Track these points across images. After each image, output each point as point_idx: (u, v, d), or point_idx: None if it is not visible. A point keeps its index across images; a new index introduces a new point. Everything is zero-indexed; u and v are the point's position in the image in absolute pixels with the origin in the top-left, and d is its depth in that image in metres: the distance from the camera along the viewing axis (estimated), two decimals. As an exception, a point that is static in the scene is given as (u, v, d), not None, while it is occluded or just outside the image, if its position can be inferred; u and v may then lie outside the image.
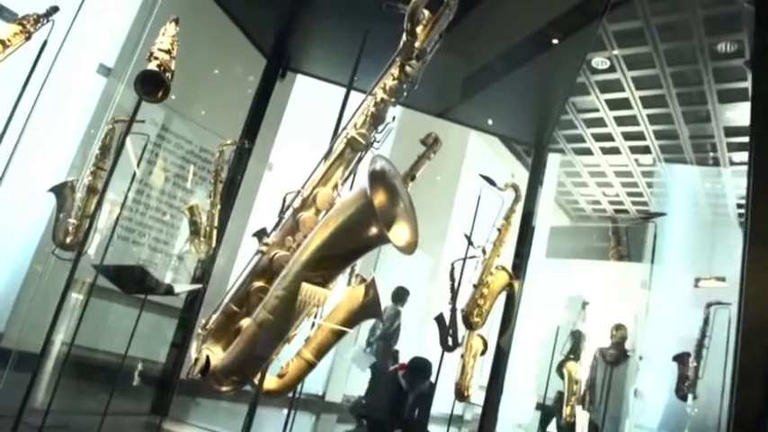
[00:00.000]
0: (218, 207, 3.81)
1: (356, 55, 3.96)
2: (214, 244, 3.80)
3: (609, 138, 8.59)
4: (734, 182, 8.86)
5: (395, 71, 1.42)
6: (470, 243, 3.21)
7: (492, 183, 3.33)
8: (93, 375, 3.83)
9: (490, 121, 4.76)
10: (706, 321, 4.12)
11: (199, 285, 3.88)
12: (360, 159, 1.45)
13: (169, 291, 3.66)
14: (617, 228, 4.37)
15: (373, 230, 1.22)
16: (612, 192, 10.42)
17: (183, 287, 3.89)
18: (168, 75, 1.96)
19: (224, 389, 1.40)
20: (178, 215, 5.33)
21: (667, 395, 4.41)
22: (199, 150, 5.48)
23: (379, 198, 1.24)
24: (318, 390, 6.78)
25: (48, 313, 2.65)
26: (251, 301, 1.39)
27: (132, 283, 3.51)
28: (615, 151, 8.91)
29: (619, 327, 6.19)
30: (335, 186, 1.43)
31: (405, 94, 1.43)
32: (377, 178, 1.25)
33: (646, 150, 8.69)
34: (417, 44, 1.41)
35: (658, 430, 4.68)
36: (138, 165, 3.57)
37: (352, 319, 1.75)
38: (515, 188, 3.33)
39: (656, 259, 5.74)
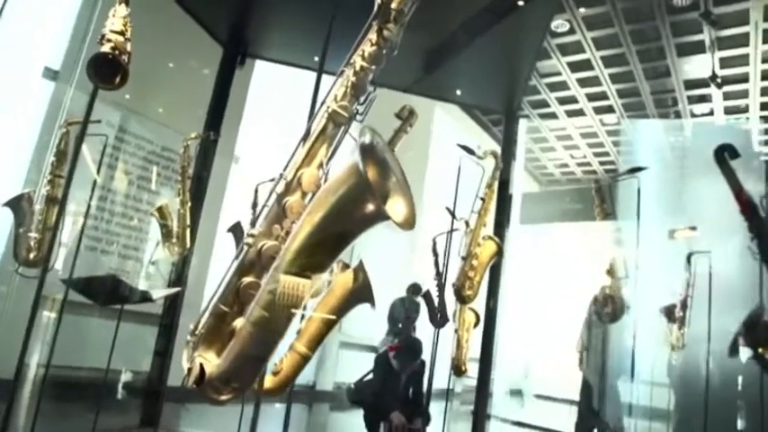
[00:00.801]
0: (189, 205, 3.65)
1: (317, 35, 3.83)
2: (188, 244, 3.65)
3: (573, 100, 8.63)
4: (696, 133, 9.01)
5: (373, 36, 1.31)
6: (453, 216, 3.14)
7: (471, 152, 3.25)
8: (77, 395, 3.68)
9: (458, 92, 4.68)
10: (689, 271, 4.16)
11: (176, 289, 3.73)
12: (344, 134, 1.34)
13: (145, 297, 3.52)
14: (600, 186, 4.36)
15: (370, 208, 1.12)
16: (580, 154, 10.51)
17: (160, 292, 3.74)
18: (125, 57, 1.78)
19: (223, 397, 1.29)
20: (146, 219, 5.15)
21: (655, 348, 4.46)
22: (161, 150, 5.29)
23: (372, 172, 1.14)
24: (308, 380, 6.72)
25: (19, 336, 2.49)
26: (242, 300, 1.28)
27: (105, 293, 3.36)
28: (580, 113, 8.96)
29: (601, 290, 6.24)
30: (320, 165, 1.32)
31: (384, 60, 1.33)
32: (367, 151, 1.15)
33: (609, 110, 8.76)
34: (394, 5, 1.30)
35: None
36: (99, 170, 3.38)
37: (344, 306, 1.67)
38: (494, 155, 3.26)
39: (628, 215, 5.76)
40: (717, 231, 5.68)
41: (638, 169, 3.73)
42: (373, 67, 1.32)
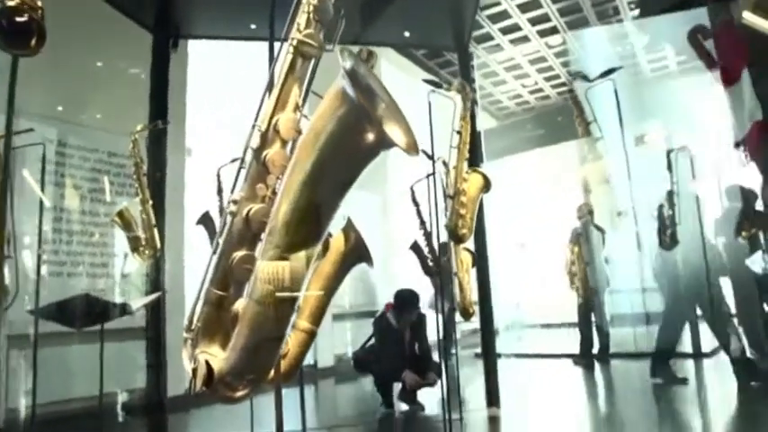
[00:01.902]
0: (151, 203, 3.41)
1: (247, 2, 3.60)
2: (158, 245, 3.41)
3: (516, 28, 8.47)
4: (641, 39, 8.98)
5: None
6: (431, 158, 2.97)
7: (439, 85, 3.07)
8: (74, 428, 3.49)
9: (407, 34, 4.46)
10: (670, 168, 4.11)
11: (156, 294, 3.52)
12: (315, 67, 1.15)
13: (124, 311, 3.30)
14: (575, 97, 4.25)
15: (369, 137, 0.95)
16: (531, 82, 10.42)
17: (139, 302, 3.51)
18: (39, 13, 1.48)
19: (239, 393, 1.12)
20: (108, 233, 4.89)
21: (652, 250, 4.45)
22: (108, 157, 4.99)
23: (362, 98, 0.96)
24: (308, 360, 6.61)
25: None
26: (238, 278, 1.10)
27: (81, 315, 3.13)
28: (525, 40, 8.83)
29: (581, 207, 6.24)
30: (297, 107, 1.13)
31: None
32: (353, 75, 0.97)
33: (554, 31, 8.64)
34: None
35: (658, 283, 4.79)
36: (42, 187, 3.11)
37: (342, 271, 1.53)
38: (463, 85, 3.08)
39: (591, 131, 5.69)
40: (682, 129, 5.69)
41: (613, 70, 3.61)
42: (334, -18, 1.13)
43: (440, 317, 3.18)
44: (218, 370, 1.11)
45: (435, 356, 4.53)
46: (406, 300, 4.54)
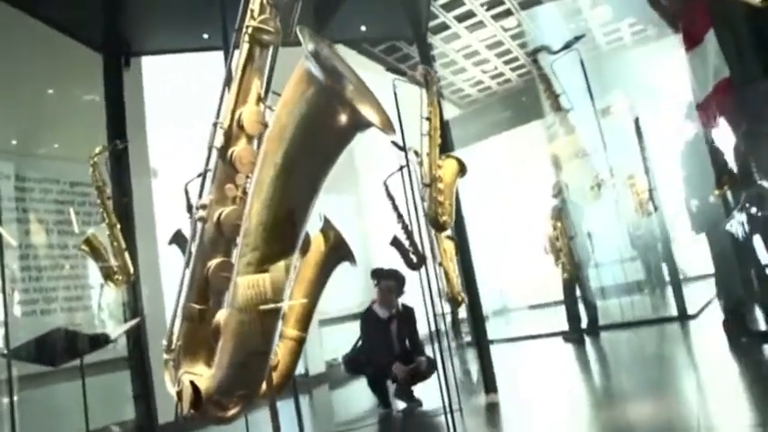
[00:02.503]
0: (118, 226, 3.29)
1: (197, 12, 3.51)
2: (131, 269, 3.30)
3: (470, 15, 8.46)
4: (594, 13, 9.06)
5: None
6: (403, 149, 2.91)
7: (403, 73, 3.01)
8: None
9: (363, 28, 4.39)
10: (639, 135, 4.10)
11: (135, 320, 3.41)
12: (275, 56, 1.08)
13: (106, 340, 3.19)
14: (541, 72, 4.23)
15: (341, 118, 0.88)
16: (490, 67, 10.43)
17: (118, 329, 3.40)
18: None
19: (232, 412, 1.04)
20: (79, 264, 4.73)
21: (630, 220, 4.45)
22: (70, 187, 4.83)
23: (329, 79, 0.90)
24: (300, 370, 6.52)
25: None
26: (216, 287, 1.03)
27: (59, 351, 3.02)
28: (480, 25, 8.82)
29: (556, 184, 6.25)
30: (259, 99, 1.06)
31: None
32: (318, 56, 0.90)
33: (508, 13, 8.65)
34: None
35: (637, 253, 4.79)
36: (1, 223, 2.98)
37: (324, 272, 1.47)
38: (427, 71, 3.02)
39: (561, 104, 5.68)
40: (645, 97, 5.74)
41: (576, 39, 3.57)
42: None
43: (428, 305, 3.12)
44: (205, 389, 1.03)
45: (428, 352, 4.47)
46: (391, 274, 4.48)
